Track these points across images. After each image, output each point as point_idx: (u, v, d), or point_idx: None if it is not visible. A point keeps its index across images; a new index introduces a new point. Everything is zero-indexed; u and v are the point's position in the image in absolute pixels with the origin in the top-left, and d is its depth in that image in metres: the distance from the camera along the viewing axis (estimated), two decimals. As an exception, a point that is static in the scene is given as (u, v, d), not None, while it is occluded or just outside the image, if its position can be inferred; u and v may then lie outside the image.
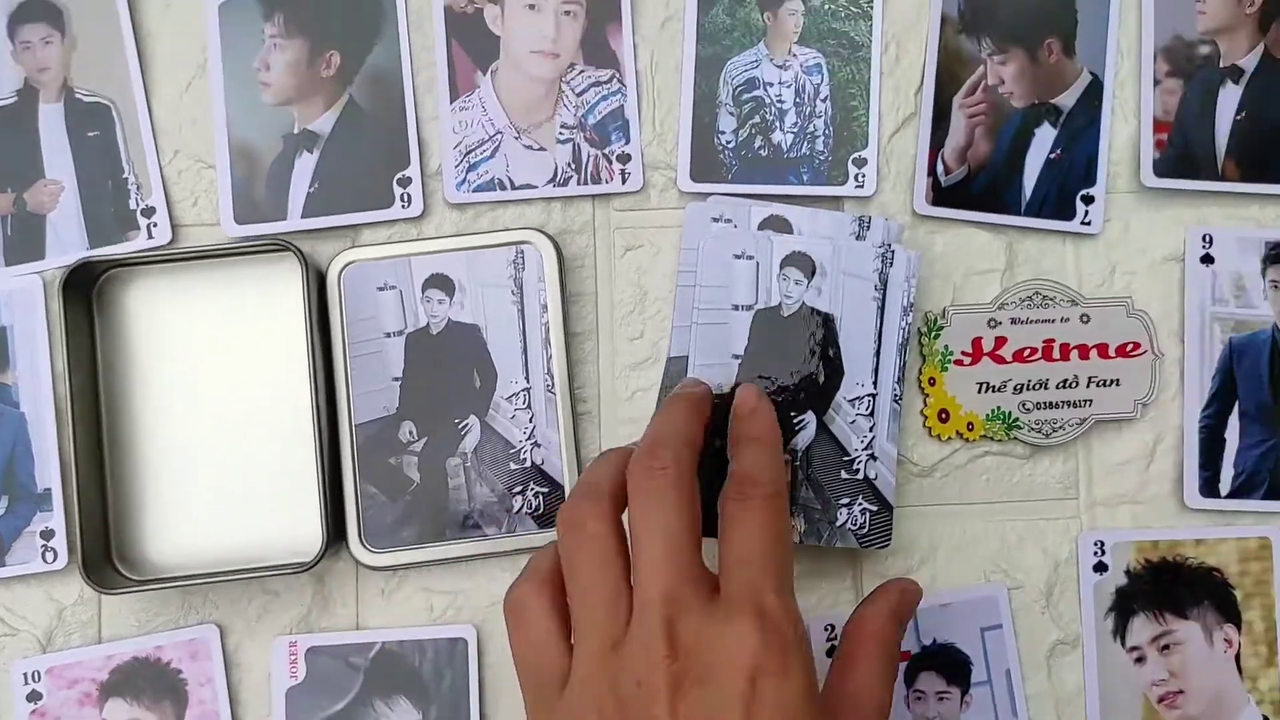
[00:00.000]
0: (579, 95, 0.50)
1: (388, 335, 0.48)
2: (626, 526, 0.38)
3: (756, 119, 0.50)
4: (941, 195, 0.50)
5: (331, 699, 0.48)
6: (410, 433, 0.48)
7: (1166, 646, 0.49)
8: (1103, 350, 0.50)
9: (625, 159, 0.50)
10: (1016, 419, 0.50)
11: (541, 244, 0.48)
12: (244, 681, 0.49)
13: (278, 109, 0.49)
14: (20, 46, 0.50)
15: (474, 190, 0.49)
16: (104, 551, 0.48)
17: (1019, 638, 0.49)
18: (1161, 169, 0.50)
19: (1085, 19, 0.50)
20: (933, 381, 0.50)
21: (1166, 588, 0.50)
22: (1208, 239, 0.50)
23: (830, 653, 0.49)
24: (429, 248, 0.48)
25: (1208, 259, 0.50)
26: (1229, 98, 0.51)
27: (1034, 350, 0.50)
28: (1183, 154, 0.50)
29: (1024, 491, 0.50)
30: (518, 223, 0.50)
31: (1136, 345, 0.50)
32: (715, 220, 0.47)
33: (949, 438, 0.50)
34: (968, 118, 0.50)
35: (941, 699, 0.49)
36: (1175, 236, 0.51)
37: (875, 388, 0.47)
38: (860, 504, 0.47)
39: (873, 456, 0.47)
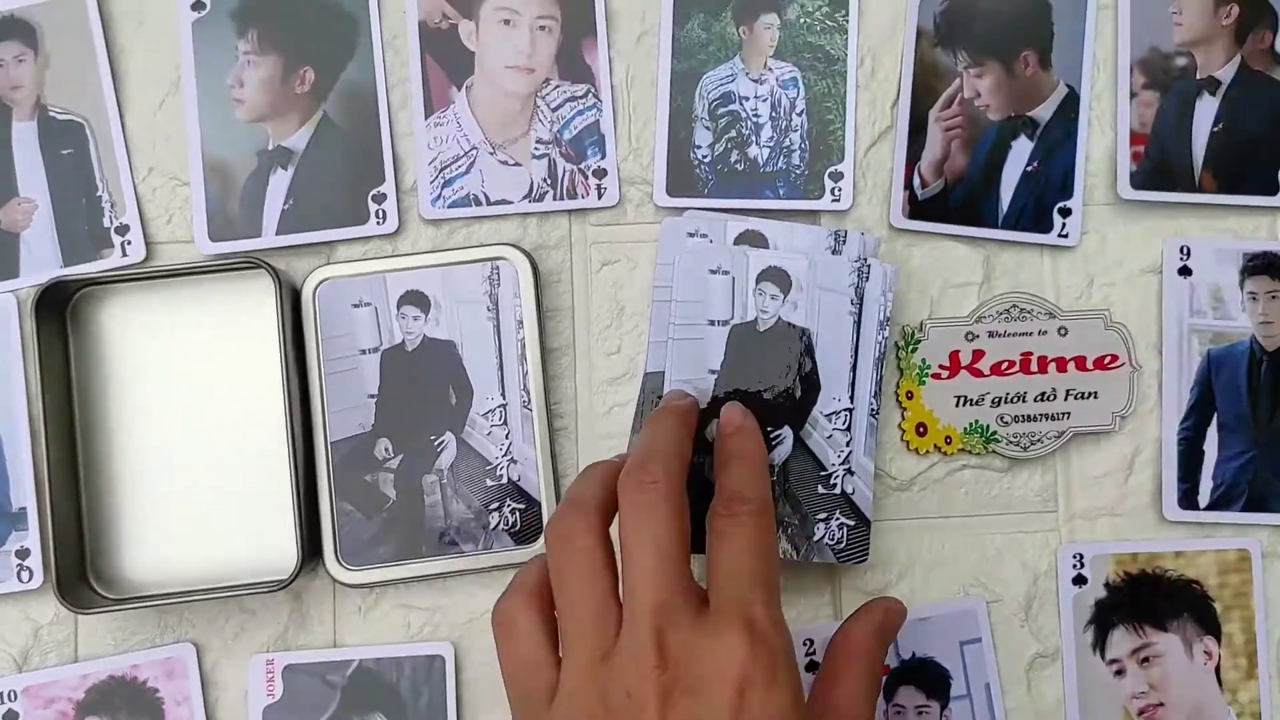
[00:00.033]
0: (554, 110, 0.50)
1: (363, 352, 0.48)
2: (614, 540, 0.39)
3: (732, 133, 0.50)
4: (918, 209, 0.50)
5: (309, 717, 0.48)
6: (386, 450, 0.48)
7: (1146, 659, 0.49)
8: (1080, 363, 0.50)
9: (601, 174, 0.50)
10: (995, 432, 0.50)
11: (517, 260, 0.48)
12: (221, 700, 0.49)
13: (252, 126, 0.49)
14: (-7, 64, 0.50)
15: (449, 206, 0.49)
16: (79, 570, 0.48)
17: (998, 651, 0.49)
18: (1138, 181, 0.50)
19: (1061, 31, 0.50)
20: (910, 395, 0.50)
21: (1146, 600, 0.50)
22: (1185, 251, 0.50)
23: (810, 667, 0.49)
24: (403, 264, 0.48)
25: (1185, 271, 0.50)
26: (1206, 109, 0.50)
27: (1012, 363, 0.50)
28: (1160, 166, 0.50)
29: (1003, 504, 0.50)
30: (494, 238, 0.50)
31: (1114, 358, 0.50)
32: (691, 235, 0.47)
33: (927, 451, 0.50)
34: (944, 131, 0.50)
35: (921, 713, 0.49)
36: (1153, 248, 0.51)
37: (852, 402, 0.47)
38: (837, 519, 0.47)
39: (849, 471, 0.47)
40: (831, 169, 0.50)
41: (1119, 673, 0.49)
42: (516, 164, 0.50)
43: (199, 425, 0.49)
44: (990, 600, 0.50)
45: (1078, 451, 0.50)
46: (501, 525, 0.48)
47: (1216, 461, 0.50)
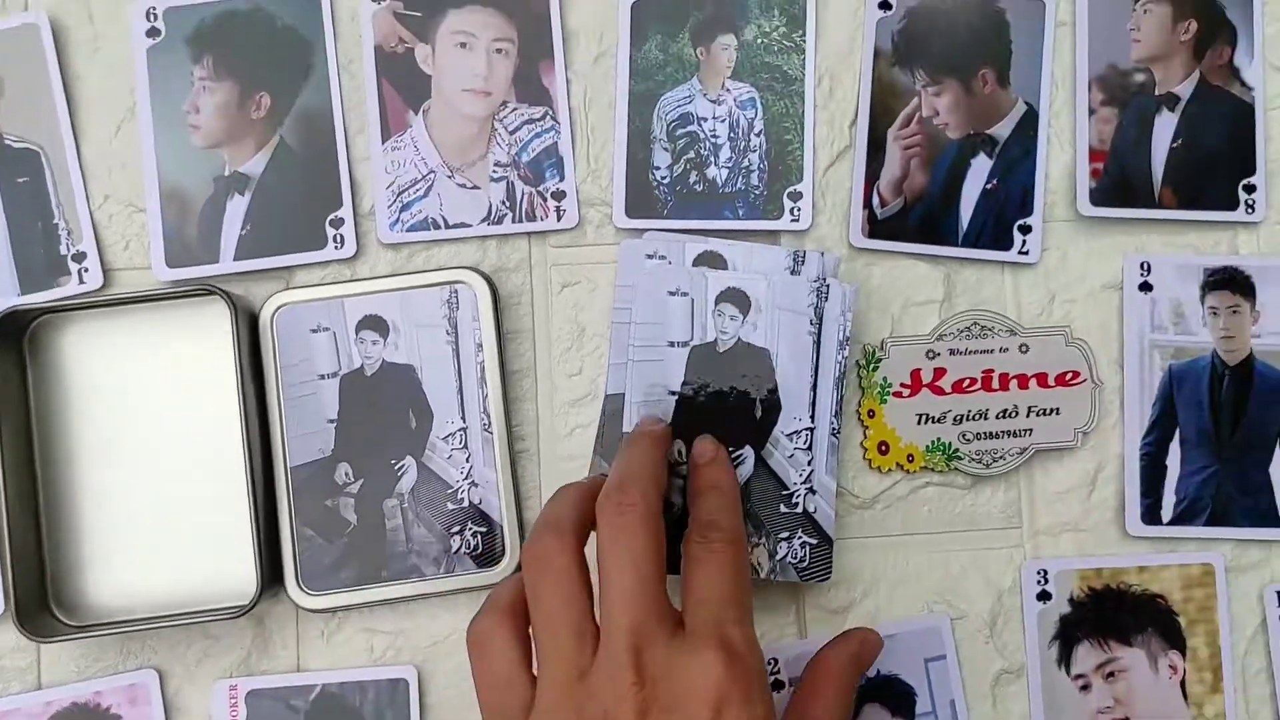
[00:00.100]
0: (512, 133, 0.50)
1: (322, 377, 0.48)
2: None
3: (691, 154, 0.50)
4: (878, 227, 0.50)
5: (272, 742, 0.48)
6: (346, 474, 0.48)
7: (1111, 674, 0.49)
8: (1042, 379, 0.50)
9: (560, 196, 0.50)
10: (957, 450, 0.50)
11: (475, 283, 0.48)
12: (184, 726, 0.49)
13: (208, 151, 0.49)
14: (-53, 93, 0.50)
15: (408, 230, 0.49)
16: (40, 598, 0.48)
17: (963, 668, 0.49)
18: (1098, 198, 0.50)
19: (1019, 49, 0.50)
20: (872, 414, 0.50)
21: (1110, 615, 0.50)
22: (1146, 266, 0.50)
23: (775, 686, 0.49)
24: (361, 289, 0.48)
25: (1146, 286, 0.50)
26: (1165, 125, 0.51)
27: (973, 381, 0.50)
28: (1119, 182, 0.50)
29: (966, 521, 0.50)
30: (453, 261, 0.50)
31: (1076, 374, 0.50)
32: (649, 257, 0.47)
33: (889, 469, 0.50)
34: (903, 149, 0.50)
35: (886, 731, 0.49)
36: (1113, 264, 0.51)
37: (813, 422, 0.47)
38: (800, 538, 0.47)
39: (811, 490, 0.47)
40: (790, 189, 0.50)
41: (1084, 688, 0.49)
42: (475, 187, 0.49)
43: (159, 452, 0.49)
44: (955, 617, 0.50)
45: (1040, 468, 0.50)
46: (463, 548, 0.48)
47: (1179, 476, 0.50)
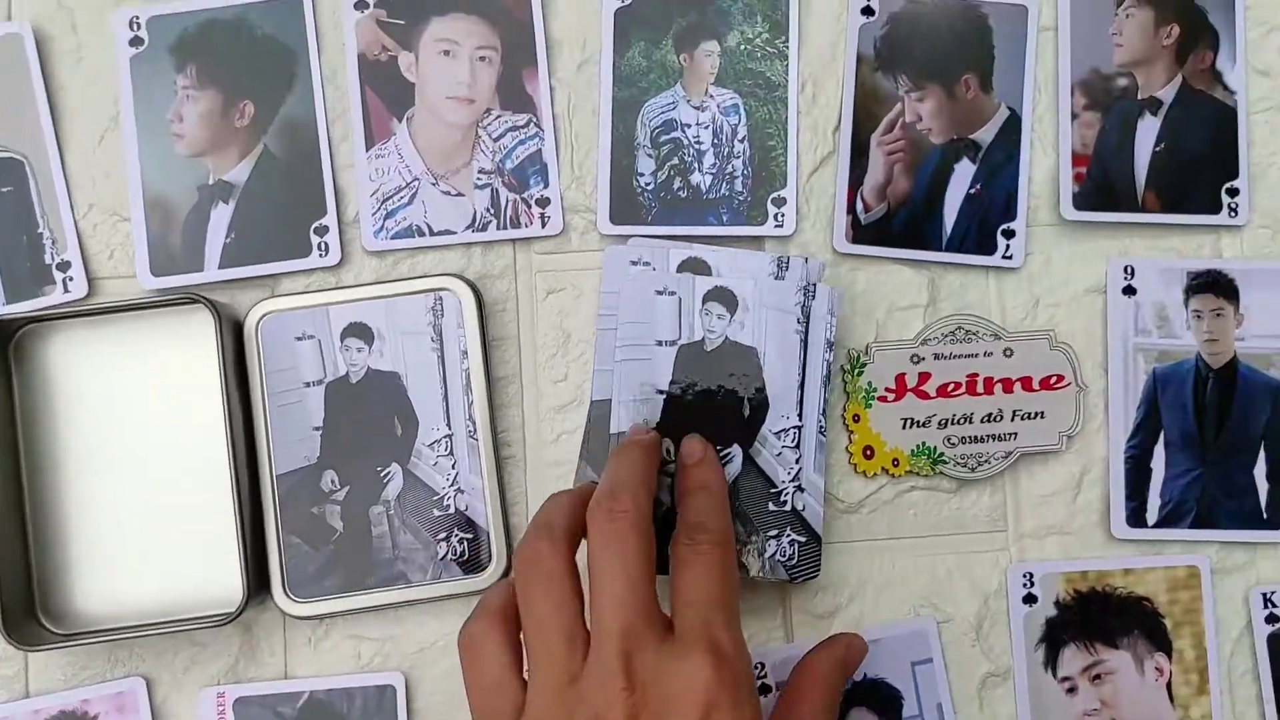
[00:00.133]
0: (496, 140, 0.50)
1: (307, 385, 0.48)
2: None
3: (675, 160, 0.50)
4: (862, 233, 0.50)
5: (259, 749, 0.48)
6: (332, 482, 0.48)
7: (1098, 676, 0.50)
8: (1026, 383, 0.50)
9: (544, 203, 0.50)
10: (942, 454, 0.50)
11: (460, 290, 0.48)
12: (171, 734, 0.49)
13: (192, 160, 0.49)
14: (-69, 103, 0.50)
15: (392, 237, 0.49)
16: (27, 606, 0.48)
17: (950, 671, 0.50)
18: (1081, 202, 0.50)
19: (1002, 54, 0.50)
20: (857, 418, 0.50)
21: (1096, 618, 0.50)
22: (1129, 270, 0.51)
23: (762, 690, 0.49)
24: (345, 297, 0.48)
25: (1130, 290, 0.51)
26: (1148, 129, 0.51)
27: (958, 385, 0.50)
28: (1102, 186, 0.51)
29: (952, 525, 0.50)
30: (438, 268, 0.50)
31: (1060, 378, 0.50)
32: (634, 263, 0.47)
33: (875, 474, 0.50)
34: (886, 155, 0.50)
35: (873, 734, 0.49)
36: (1097, 268, 0.51)
37: (800, 420, 0.47)
38: (789, 535, 0.47)
39: (799, 488, 0.47)
40: (774, 194, 0.50)
41: (1071, 690, 0.49)
42: (459, 194, 0.50)
43: (146, 460, 0.49)
44: (941, 620, 0.50)
45: (1026, 471, 0.50)
46: (449, 555, 0.48)
47: (1164, 479, 0.50)
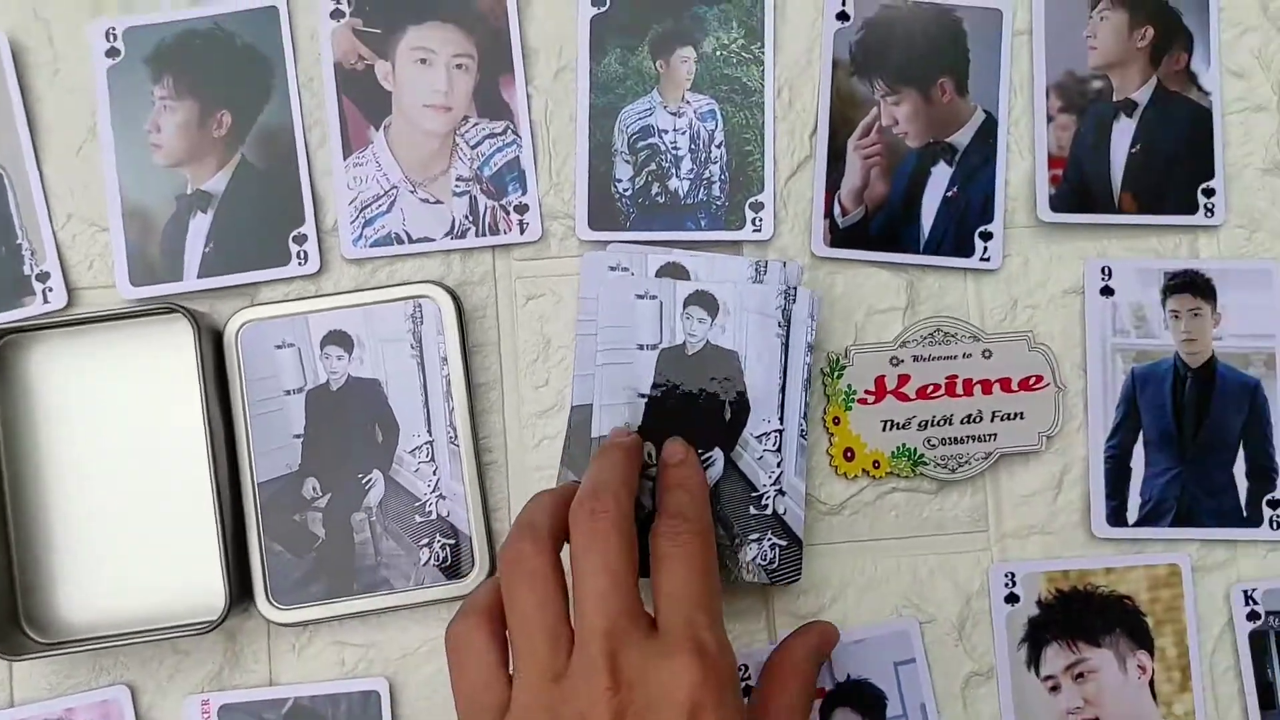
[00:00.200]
0: (474, 148, 0.50)
1: (287, 393, 0.48)
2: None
3: (652, 166, 0.50)
4: (840, 236, 0.50)
5: (244, 757, 0.48)
6: (314, 489, 0.48)
7: (1081, 675, 0.50)
8: (1005, 384, 0.50)
9: (523, 209, 0.50)
10: (922, 455, 0.50)
11: (439, 297, 0.48)
12: (157, 742, 0.49)
13: (170, 170, 0.49)
14: (-91, 115, 0.50)
15: (371, 245, 0.49)
16: (11, 615, 0.48)
17: (933, 671, 0.50)
18: (1058, 204, 0.51)
19: (977, 58, 0.51)
20: (837, 421, 0.50)
21: (1078, 616, 0.50)
22: (1107, 271, 0.51)
23: (746, 691, 0.49)
24: (325, 305, 0.48)
25: (1107, 291, 0.51)
26: (1123, 131, 0.51)
27: (937, 387, 0.50)
28: (1078, 188, 0.51)
29: (934, 526, 0.51)
30: (417, 275, 0.50)
31: (1039, 378, 0.50)
32: (612, 269, 0.48)
33: (856, 476, 0.50)
34: (863, 159, 0.50)
35: (857, 735, 0.49)
36: (1074, 269, 0.51)
37: (782, 423, 0.47)
38: (770, 539, 0.47)
39: (781, 491, 0.47)
40: (752, 199, 0.50)
41: (1054, 689, 0.50)
42: (437, 201, 0.50)
43: (128, 469, 0.49)
44: (924, 621, 0.50)
45: (1006, 472, 0.51)
46: (432, 561, 0.48)
47: (1144, 478, 0.50)
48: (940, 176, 0.50)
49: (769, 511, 0.47)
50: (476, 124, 0.50)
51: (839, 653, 0.49)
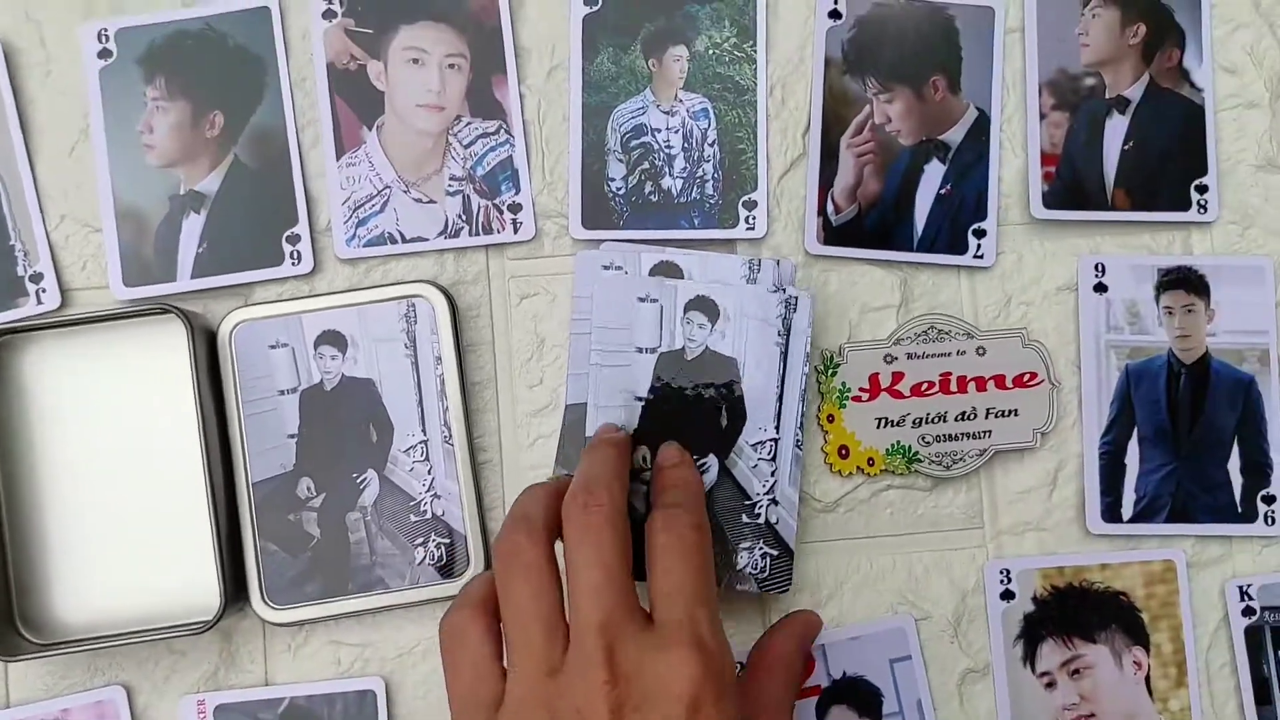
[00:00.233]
0: (467, 147, 0.50)
1: (281, 393, 0.48)
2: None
3: (645, 165, 0.50)
4: (833, 234, 0.50)
5: (240, 757, 0.48)
6: (308, 489, 0.48)
7: (1077, 671, 0.50)
8: (1000, 381, 0.50)
9: (516, 209, 0.50)
10: (917, 452, 0.50)
11: (432, 296, 0.48)
12: (152, 742, 0.49)
13: (163, 171, 0.49)
14: (-98, 117, 0.50)
15: (364, 245, 0.50)
16: (6, 616, 0.48)
17: (929, 668, 0.50)
18: (1051, 201, 0.51)
19: (969, 55, 0.51)
20: (831, 419, 0.50)
21: (1074, 613, 0.50)
22: (1100, 268, 0.51)
23: (741, 691, 0.49)
24: (318, 304, 0.48)
25: (1101, 287, 0.51)
26: (1116, 128, 0.51)
27: (931, 384, 0.50)
28: (1071, 185, 0.51)
29: (929, 523, 0.51)
30: (411, 275, 0.50)
31: (1033, 375, 0.50)
32: (606, 268, 0.48)
33: (850, 473, 0.50)
34: (856, 157, 0.50)
35: (853, 732, 0.49)
36: (1068, 266, 0.51)
37: (778, 432, 0.47)
38: (761, 548, 0.47)
39: (774, 501, 0.47)
40: (745, 198, 0.50)
41: (1050, 685, 0.50)
42: (431, 201, 0.50)
43: (122, 470, 0.49)
44: (919, 618, 0.50)
45: (1001, 469, 0.51)
46: (427, 560, 0.48)
47: (1138, 474, 0.50)
48: (933, 174, 0.50)
49: (761, 521, 0.47)
50: (469, 123, 0.50)
51: (834, 649, 0.49)
